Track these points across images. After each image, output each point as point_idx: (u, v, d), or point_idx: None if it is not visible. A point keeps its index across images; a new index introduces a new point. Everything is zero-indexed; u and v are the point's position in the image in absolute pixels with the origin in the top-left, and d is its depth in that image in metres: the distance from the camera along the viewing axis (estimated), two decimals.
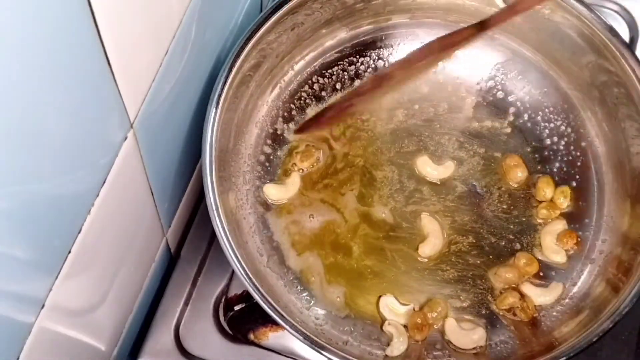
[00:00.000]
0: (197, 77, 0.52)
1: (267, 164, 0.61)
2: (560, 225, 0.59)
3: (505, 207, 0.61)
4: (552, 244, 0.59)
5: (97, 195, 0.40)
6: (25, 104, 0.30)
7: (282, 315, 0.49)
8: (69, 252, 0.39)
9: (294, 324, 0.49)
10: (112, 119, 0.39)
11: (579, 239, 0.59)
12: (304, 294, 0.57)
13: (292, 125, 0.62)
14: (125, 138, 0.41)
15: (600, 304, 0.54)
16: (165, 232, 0.57)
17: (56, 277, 0.38)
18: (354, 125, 0.63)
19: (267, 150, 0.61)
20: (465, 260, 0.59)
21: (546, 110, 0.63)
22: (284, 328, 0.49)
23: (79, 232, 0.39)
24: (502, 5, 0.59)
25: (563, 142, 0.62)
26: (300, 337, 0.49)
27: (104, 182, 0.40)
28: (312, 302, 0.57)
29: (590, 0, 0.65)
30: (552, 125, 0.63)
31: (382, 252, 0.59)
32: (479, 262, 0.59)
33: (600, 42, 0.55)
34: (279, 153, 0.61)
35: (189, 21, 0.44)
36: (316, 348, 0.49)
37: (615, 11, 0.69)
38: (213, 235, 0.58)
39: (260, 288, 0.49)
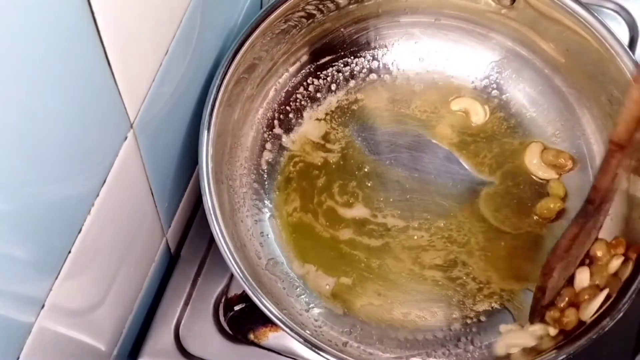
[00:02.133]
0: (197, 77, 0.52)
1: (264, 167, 0.61)
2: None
3: (507, 196, 0.61)
4: (540, 163, 0.61)
5: (97, 196, 0.40)
6: (24, 105, 0.30)
7: (281, 319, 0.49)
8: (69, 252, 0.39)
9: (293, 327, 0.49)
10: (112, 119, 0.39)
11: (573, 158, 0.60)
12: (303, 296, 0.57)
13: (290, 133, 0.62)
14: (125, 138, 0.41)
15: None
16: (165, 232, 0.57)
17: (56, 277, 0.38)
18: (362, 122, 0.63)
19: (264, 153, 0.61)
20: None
21: (541, 108, 0.63)
22: (285, 331, 0.49)
23: (79, 232, 0.39)
24: (493, 5, 0.59)
25: (558, 140, 0.62)
26: (300, 340, 0.49)
27: (104, 182, 0.40)
28: (311, 304, 0.57)
29: (590, 0, 0.65)
30: (547, 123, 0.63)
31: (385, 251, 0.59)
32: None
33: (595, 41, 0.55)
34: (276, 156, 0.61)
35: (189, 21, 0.44)
36: (316, 350, 0.49)
37: (615, 11, 0.69)
38: (213, 235, 0.58)
39: (259, 291, 0.49)
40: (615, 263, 0.53)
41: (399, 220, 0.60)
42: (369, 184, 0.61)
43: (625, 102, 0.48)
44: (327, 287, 0.57)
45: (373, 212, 0.60)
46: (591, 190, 0.51)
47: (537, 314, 0.54)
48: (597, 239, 0.55)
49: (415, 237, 0.59)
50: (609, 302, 0.51)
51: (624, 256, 0.54)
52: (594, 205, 0.52)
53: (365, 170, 0.61)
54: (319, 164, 0.62)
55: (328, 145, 0.62)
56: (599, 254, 0.55)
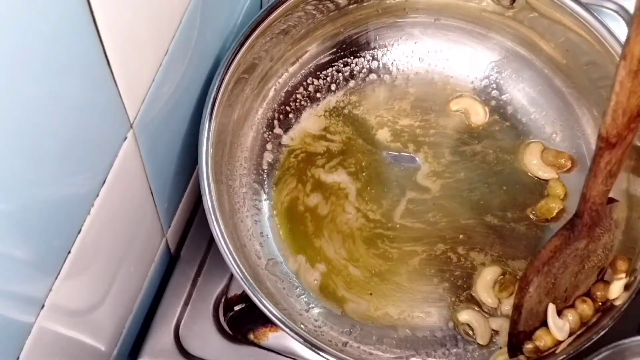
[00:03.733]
0: (197, 77, 0.52)
1: (263, 167, 0.61)
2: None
3: (506, 196, 0.61)
4: (540, 163, 0.61)
5: (97, 196, 0.40)
6: (24, 105, 0.30)
7: (281, 319, 0.49)
8: (69, 252, 0.39)
9: (293, 327, 0.49)
10: (111, 119, 0.39)
11: (572, 158, 0.60)
12: (303, 296, 0.57)
13: (289, 130, 0.62)
14: (125, 138, 0.41)
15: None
16: (165, 232, 0.57)
17: (56, 278, 0.38)
18: (354, 125, 0.63)
19: (265, 153, 0.61)
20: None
21: (541, 108, 0.63)
22: (285, 331, 0.49)
23: (79, 233, 0.39)
24: (493, 5, 0.59)
25: (558, 140, 0.62)
26: (300, 340, 0.49)
27: (104, 182, 0.40)
28: (311, 304, 0.57)
29: (590, 0, 0.65)
30: (547, 123, 0.63)
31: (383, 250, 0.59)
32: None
33: (595, 41, 0.55)
34: (275, 156, 0.61)
35: (189, 21, 0.44)
36: (316, 350, 0.49)
37: (615, 11, 0.69)
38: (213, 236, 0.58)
39: (259, 292, 0.49)
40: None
41: (393, 214, 0.60)
42: (364, 175, 0.61)
43: (613, 87, 0.40)
44: (315, 282, 0.58)
45: (365, 206, 0.60)
46: (580, 199, 0.48)
47: (514, 345, 0.51)
48: (599, 280, 0.52)
49: (411, 235, 0.59)
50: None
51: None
52: (582, 219, 0.48)
53: (363, 164, 0.61)
54: (322, 151, 0.62)
55: (329, 136, 0.62)
56: (599, 294, 0.52)
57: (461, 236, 0.59)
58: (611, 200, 0.50)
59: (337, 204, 0.60)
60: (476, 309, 0.57)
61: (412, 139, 0.63)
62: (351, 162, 0.61)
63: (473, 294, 0.58)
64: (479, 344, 0.56)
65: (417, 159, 0.62)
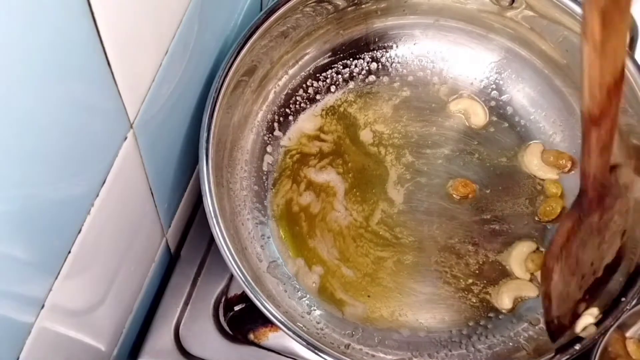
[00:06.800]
0: (196, 77, 0.52)
1: (263, 170, 0.61)
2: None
3: (506, 197, 0.61)
4: (541, 164, 0.61)
5: (97, 196, 0.40)
6: (24, 105, 0.30)
7: (283, 322, 0.49)
8: (69, 252, 0.39)
9: (296, 330, 0.49)
10: (111, 119, 0.39)
11: (572, 158, 0.60)
12: (305, 299, 0.57)
13: (287, 132, 0.62)
14: (125, 138, 0.41)
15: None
16: (165, 232, 0.57)
17: (56, 278, 0.38)
18: (345, 123, 0.63)
19: (265, 156, 0.61)
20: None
21: (541, 109, 0.63)
22: (286, 333, 0.49)
23: (79, 233, 0.39)
24: (492, 6, 0.59)
25: (558, 140, 0.62)
26: (303, 343, 0.49)
27: (104, 182, 0.40)
28: (313, 306, 0.57)
29: None
30: (547, 123, 0.63)
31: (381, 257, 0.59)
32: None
33: None
34: (275, 158, 0.61)
35: (189, 22, 0.44)
36: (318, 353, 0.49)
37: None
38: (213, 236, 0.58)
39: (261, 295, 0.49)
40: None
41: (386, 218, 0.60)
42: (350, 176, 0.61)
43: (582, 65, 0.40)
44: (314, 285, 0.58)
45: (352, 205, 0.60)
46: (580, 177, 0.47)
47: (553, 331, 0.51)
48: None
49: (409, 237, 0.60)
50: None
51: None
52: (587, 196, 0.47)
53: (349, 165, 0.62)
54: (315, 152, 0.62)
55: (322, 136, 0.62)
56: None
57: (460, 235, 0.60)
58: (614, 167, 0.48)
59: (326, 201, 0.60)
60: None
61: (410, 141, 0.63)
62: (339, 162, 0.62)
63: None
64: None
65: (413, 159, 0.62)
